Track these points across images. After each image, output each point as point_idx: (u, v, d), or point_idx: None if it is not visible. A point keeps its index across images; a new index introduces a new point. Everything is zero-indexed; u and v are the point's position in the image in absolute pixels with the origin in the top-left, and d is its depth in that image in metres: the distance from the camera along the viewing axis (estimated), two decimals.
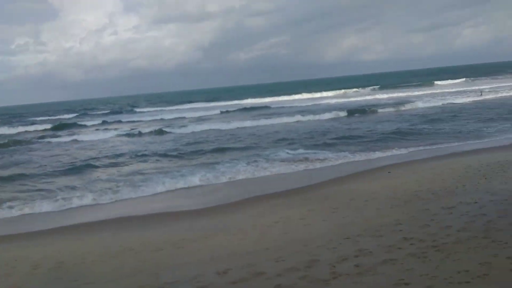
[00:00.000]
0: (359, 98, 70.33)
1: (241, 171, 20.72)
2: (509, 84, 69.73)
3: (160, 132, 41.68)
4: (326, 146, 26.51)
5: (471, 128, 29.53)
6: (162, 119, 59.21)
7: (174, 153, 27.90)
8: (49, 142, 40.80)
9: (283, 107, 64.40)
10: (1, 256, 11.22)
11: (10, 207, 16.73)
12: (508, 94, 54.66)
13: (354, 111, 47.49)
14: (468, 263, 7.38)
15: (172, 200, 17.10)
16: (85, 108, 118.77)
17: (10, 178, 22.78)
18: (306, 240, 9.98)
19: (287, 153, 24.68)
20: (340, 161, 21.73)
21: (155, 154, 28.10)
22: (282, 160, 22.84)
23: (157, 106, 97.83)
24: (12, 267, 10.34)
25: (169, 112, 71.81)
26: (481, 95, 55.33)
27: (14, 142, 40.57)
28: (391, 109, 47.37)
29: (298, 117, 44.08)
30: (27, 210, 16.43)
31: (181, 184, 19.11)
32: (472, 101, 50.49)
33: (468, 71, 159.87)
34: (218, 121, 50.13)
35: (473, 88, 67.50)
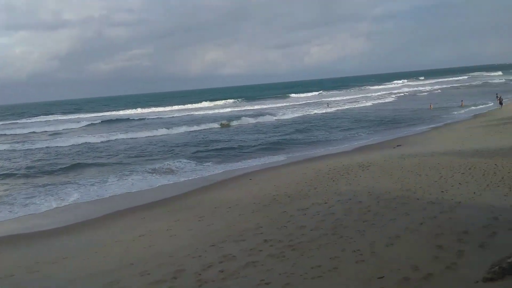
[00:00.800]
0: (227, 110, 71.73)
1: (107, 185, 19.88)
2: (350, 97, 78.47)
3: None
4: (195, 157, 26.69)
5: (321, 137, 32.56)
6: (14, 134, 52.65)
7: (26, 172, 25.33)
8: None
9: (152, 118, 62.57)
10: None
11: None
12: (350, 106, 61.51)
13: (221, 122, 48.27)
14: (320, 259, 8.15)
15: (27, 220, 15.50)
16: None
17: None
18: (172, 252, 9.95)
19: (153, 166, 24.23)
20: (205, 171, 22.10)
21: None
22: (149, 172, 22.39)
23: (6, 120, 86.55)
24: None
25: (22, 126, 64.55)
26: (327, 106, 61.23)
27: None
28: (253, 120, 49.24)
29: (164, 131, 42.63)
30: None
31: (35, 203, 17.45)
32: (324, 112, 55.44)
33: (317, 85, 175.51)
34: (84, 133, 46.83)
35: (322, 100, 74.15)
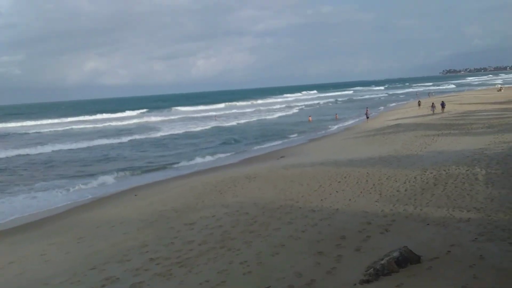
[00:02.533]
0: (115, 123, 67.14)
1: None
2: (234, 111, 79.93)
3: None
4: (81, 175, 24.83)
5: (211, 150, 32.66)
6: None
7: None
8: None
9: (26, 133, 56.27)
10: None
11: None
12: (242, 120, 62.94)
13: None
14: (208, 273, 8.09)
15: None
16: None
17: None
18: (46, 278, 9.11)
19: (26, 186, 22.00)
20: (88, 188, 20.70)
21: None
22: (21, 192, 20.29)
23: None
24: None
25: None
26: (215, 119, 61.87)
27: None
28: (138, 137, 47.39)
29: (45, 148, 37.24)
30: None
31: None
32: (213, 126, 55.46)
33: (205, 97, 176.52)
34: None
35: (209, 114, 73.73)
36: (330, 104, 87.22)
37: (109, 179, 22.32)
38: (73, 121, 72.29)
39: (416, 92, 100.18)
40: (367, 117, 42.52)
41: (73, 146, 37.52)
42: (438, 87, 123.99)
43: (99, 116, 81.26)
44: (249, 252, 9.04)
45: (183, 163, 26.14)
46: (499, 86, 74.72)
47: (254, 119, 57.74)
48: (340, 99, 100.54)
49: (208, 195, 15.45)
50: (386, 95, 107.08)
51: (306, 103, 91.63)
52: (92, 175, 23.62)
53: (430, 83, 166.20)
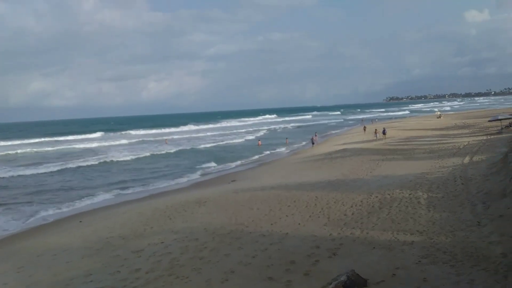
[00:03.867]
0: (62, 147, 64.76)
1: None
2: (187, 136, 79.10)
3: None
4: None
5: (156, 174, 32.09)
6: None
7: None
8: None
9: None
10: None
11: None
12: (186, 142, 62.54)
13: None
14: None
15: None
16: None
17: None
18: None
19: None
20: (25, 214, 19.67)
21: None
22: None
23: None
24: None
25: None
26: (166, 143, 61.09)
27: None
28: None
29: None
30: None
31: None
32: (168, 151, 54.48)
33: (155, 120, 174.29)
34: None
35: (159, 138, 71.77)
36: (290, 127, 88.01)
37: (50, 206, 21.32)
38: (16, 144, 68.69)
39: (362, 118, 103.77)
40: (313, 143, 42.54)
41: (15, 172, 35.65)
42: (388, 113, 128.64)
43: (45, 139, 77.80)
44: (199, 279, 8.90)
45: (132, 188, 25.51)
46: (439, 113, 78.97)
47: (211, 143, 57.44)
48: (295, 124, 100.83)
49: (157, 221, 15.12)
50: (342, 120, 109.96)
51: (264, 127, 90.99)
52: (31, 202, 22.53)
53: (382, 109, 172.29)
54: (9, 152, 54.58)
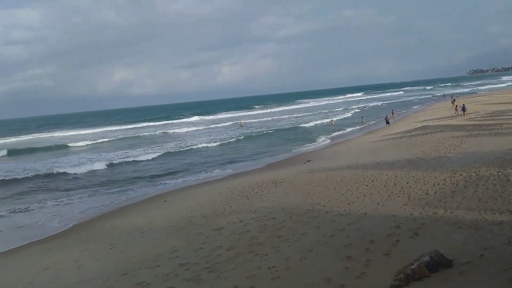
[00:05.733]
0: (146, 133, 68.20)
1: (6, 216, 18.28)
2: (257, 112, 79.79)
3: None
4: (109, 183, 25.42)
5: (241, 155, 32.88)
6: None
7: None
8: None
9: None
10: None
11: None
12: (260, 124, 63.16)
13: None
14: (237, 278, 8.15)
15: None
16: None
17: None
18: (79, 284, 9.37)
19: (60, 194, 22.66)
20: (119, 195, 21.20)
21: None
22: (53, 200, 20.98)
23: None
24: None
25: None
26: (241, 125, 62.19)
27: None
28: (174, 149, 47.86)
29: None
30: None
31: None
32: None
33: (229, 104, 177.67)
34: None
35: (235, 122, 72.71)
36: (371, 106, 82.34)
37: (139, 185, 22.84)
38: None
39: (443, 94, 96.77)
40: (387, 122, 39.21)
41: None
42: (472, 88, 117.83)
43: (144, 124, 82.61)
44: (277, 257, 9.06)
45: (211, 169, 26.43)
46: None
47: (285, 125, 57.55)
48: (377, 102, 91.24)
49: (236, 201, 15.55)
50: (430, 96, 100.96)
51: (342, 107, 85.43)
52: (123, 182, 24.20)
53: (466, 83, 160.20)
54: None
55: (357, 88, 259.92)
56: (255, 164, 27.17)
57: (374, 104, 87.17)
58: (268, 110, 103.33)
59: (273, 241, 10.21)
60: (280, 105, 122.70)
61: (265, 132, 49.08)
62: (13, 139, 69.58)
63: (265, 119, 72.43)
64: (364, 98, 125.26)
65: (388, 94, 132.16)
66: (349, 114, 64.27)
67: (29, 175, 29.00)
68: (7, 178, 28.14)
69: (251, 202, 15.05)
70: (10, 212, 19.17)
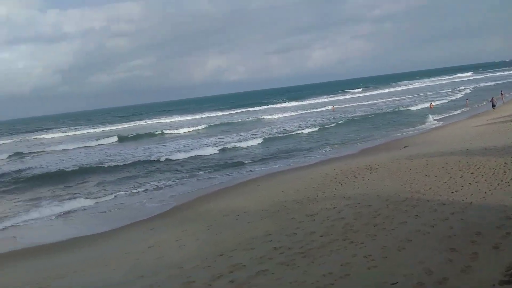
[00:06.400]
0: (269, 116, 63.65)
1: (115, 197, 20.00)
2: (351, 96, 77.52)
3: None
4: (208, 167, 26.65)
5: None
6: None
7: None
8: None
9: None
10: None
11: None
12: (353, 109, 61.47)
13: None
14: (331, 265, 8.03)
15: (35, 232, 15.57)
16: None
17: None
18: (181, 262, 9.87)
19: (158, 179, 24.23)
20: (212, 179, 22.11)
21: None
22: (154, 184, 22.50)
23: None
24: None
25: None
26: (333, 110, 61.14)
27: None
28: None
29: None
30: None
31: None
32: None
33: (322, 88, 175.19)
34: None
35: (326, 107, 71.55)
36: (482, 86, 75.45)
37: (234, 170, 23.61)
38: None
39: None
40: (493, 105, 35.25)
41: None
42: None
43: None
44: (373, 245, 8.76)
45: (307, 155, 26.41)
46: None
47: (382, 109, 55.48)
48: (488, 82, 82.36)
49: (328, 187, 15.34)
50: None
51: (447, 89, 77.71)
52: (220, 166, 25.16)
53: None
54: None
55: (464, 67, 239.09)
56: (348, 149, 26.56)
57: (484, 84, 79.74)
58: (365, 94, 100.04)
59: (369, 229, 9.90)
60: (376, 88, 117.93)
61: (358, 116, 47.72)
62: (119, 126, 75.45)
63: (359, 103, 70.33)
64: (473, 78, 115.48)
65: (500, 73, 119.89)
66: (454, 97, 59.66)
67: (135, 160, 31.32)
68: (119, 163, 30.45)
69: (345, 188, 14.74)
70: (117, 194, 20.75)
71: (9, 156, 41.42)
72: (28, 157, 40.39)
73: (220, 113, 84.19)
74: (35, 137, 68.82)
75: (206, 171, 24.35)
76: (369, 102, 70.13)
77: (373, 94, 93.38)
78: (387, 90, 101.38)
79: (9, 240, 15.15)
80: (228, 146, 33.85)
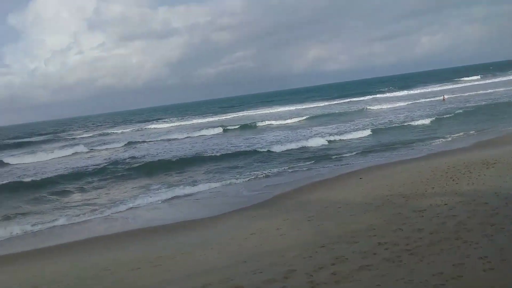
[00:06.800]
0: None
1: (215, 185, 20.79)
2: (462, 85, 71.47)
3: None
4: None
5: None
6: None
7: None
8: None
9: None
10: None
11: None
12: (467, 98, 56.86)
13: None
14: (442, 265, 7.52)
15: (146, 214, 16.89)
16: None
17: None
18: (282, 251, 9.97)
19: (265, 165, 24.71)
20: (312, 170, 22.00)
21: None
22: (260, 171, 23.01)
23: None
24: None
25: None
26: (443, 100, 57.20)
27: None
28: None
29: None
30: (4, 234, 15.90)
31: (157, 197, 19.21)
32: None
33: (432, 76, 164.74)
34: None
35: (436, 97, 66.93)
36: None
37: (334, 161, 23.27)
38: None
39: None
40: None
41: None
42: None
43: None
44: (490, 246, 8.02)
45: (413, 147, 25.15)
46: None
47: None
48: None
49: (438, 181, 14.38)
50: None
51: None
52: (322, 158, 24.98)
53: None
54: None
55: None
56: (461, 142, 24.65)
57: None
58: (482, 82, 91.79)
59: (485, 228, 9.08)
60: (495, 75, 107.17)
61: (473, 107, 44.04)
62: (223, 117, 78.34)
63: (474, 92, 64.77)
64: None
65: None
66: None
67: (236, 150, 32.33)
68: (220, 153, 31.63)
69: (457, 184, 13.70)
70: (220, 183, 21.41)
71: (124, 145, 45.20)
72: (139, 146, 43.77)
73: (322, 104, 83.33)
74: (147, 127, 74.56)
75: (306, 162, 24.26)
76: (486, 91, 64.17)
77: (491, 82, 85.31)
78: (507, 78, 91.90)
79: (123, 220, 16.55)
80: (330, 138, 33.24)
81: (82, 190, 23.61)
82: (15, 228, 16.24)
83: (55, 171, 30.46)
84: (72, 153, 42.42)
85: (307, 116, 57.55)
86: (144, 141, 47.22)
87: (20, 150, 54.69)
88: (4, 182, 27.42)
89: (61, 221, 16.85)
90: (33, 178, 27.67)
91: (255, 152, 30.55)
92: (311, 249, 9.63)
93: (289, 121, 54.65)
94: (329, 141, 31.83)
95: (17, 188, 25.06)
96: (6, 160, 40.72)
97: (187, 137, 48.18)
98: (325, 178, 19.33)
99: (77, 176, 27.34)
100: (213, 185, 20.86)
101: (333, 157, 25.04)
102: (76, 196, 22.19)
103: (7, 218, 18.41)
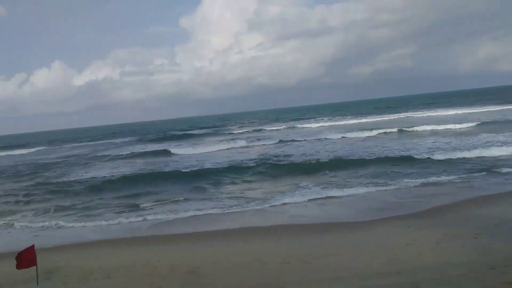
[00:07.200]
0: None
1: (365, 190, 20.27)
2: None
3: None
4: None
5: None
6: None
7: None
8: None
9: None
10: (145, 257, 12.35)
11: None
12: None
13: None
14: None
15: (296, 211, 17.30)
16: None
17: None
18: (442, 267, 9.23)
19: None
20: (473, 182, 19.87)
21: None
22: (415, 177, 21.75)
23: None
24: (154, 267, 11.32)
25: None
26: None
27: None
28: None
29: None
30: (171, 216, 18.06)
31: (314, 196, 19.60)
32: None
33: None
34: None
35: None
36: None
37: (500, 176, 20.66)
38: None
39: None
40: None
41: None
42: None
43: None
44: None
45: None
46: None
47: None
48: None
49: None
50: None
51: None
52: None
53: None
54: None
55: None
56: None
57: None
58: None
59: None
60: None
61: None
62: (378, 119, 74.92)
63: None
64: None
65: None
66: None
67: (394, 155, 30.63)
68: (381, 156, 30.53)
69: None
70: (366, 188, 20.69)
71: (277, 142, 46.81)
72: (290, 144, 44.86)
73: (496, 108, 73.63)
74: (299, 125, 76.16)
75: (475, 173, 21.94)
76: None
77: None
78: None
79: (276, 214, 17.11)
80: (504, 148, 29.41)
81: (236, 182, 25.31)
82: (179, 212, 18.29)
83: (213, 163, 33.38)
84: (227, 148, 46.15)
85: (477, 122, 51.63)
86: (293, 140, 48.33)
87: (184, 141, 63.04)
88: (168, 170, 32.22)
89: (218, 210, 18.37)
90: (192, 169, 30.93)
91: (411, 158, 28.78)
92: (478, 270, 8.71)
93: (454, 126, 49.94)
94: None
95: (178, 176, 28.65)
96: (173, 150, 46.57)
97: (341, 137, 47.82)
98: (497, 192, 17.25)
99: (232, 169, 29.45)
100: (363, 189, 20.32)
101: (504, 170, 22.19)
102: (231, 188, 23.83)
103: (175, 201, 20.79)
